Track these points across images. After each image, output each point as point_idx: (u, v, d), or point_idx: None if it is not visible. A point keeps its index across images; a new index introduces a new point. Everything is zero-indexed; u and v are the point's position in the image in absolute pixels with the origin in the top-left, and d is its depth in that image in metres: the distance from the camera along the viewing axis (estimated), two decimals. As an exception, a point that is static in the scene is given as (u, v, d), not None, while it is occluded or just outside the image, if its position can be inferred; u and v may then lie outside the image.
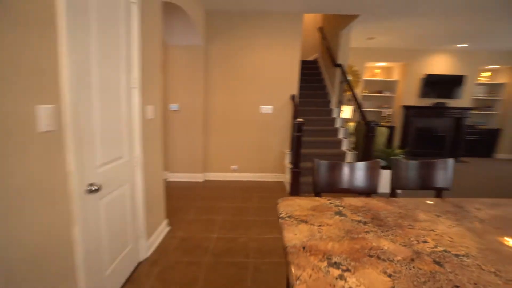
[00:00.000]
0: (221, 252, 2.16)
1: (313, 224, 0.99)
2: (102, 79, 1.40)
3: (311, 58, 5.85)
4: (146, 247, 2.02)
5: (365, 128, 3.30)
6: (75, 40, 1.17)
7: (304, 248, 0.82)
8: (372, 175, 1.49)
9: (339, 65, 4.39)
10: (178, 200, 3.24)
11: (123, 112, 1.65)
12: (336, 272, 0.71)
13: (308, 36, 6.14)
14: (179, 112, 3.85)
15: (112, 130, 1.53)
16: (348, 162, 1.51)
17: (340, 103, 4.46)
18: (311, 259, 0.77)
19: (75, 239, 1.23)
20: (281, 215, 1.06)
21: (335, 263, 0.75)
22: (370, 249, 0.83)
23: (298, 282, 0.67)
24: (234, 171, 4.12)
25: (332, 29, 4.76)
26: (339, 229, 0.96)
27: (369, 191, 1.50)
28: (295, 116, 3.44)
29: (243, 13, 3.72)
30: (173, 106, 3.82)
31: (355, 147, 3.90)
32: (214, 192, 3.59)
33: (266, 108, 3.98)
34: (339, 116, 4.32)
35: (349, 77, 5.06)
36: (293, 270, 0.71)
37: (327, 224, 0.99)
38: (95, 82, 1.34)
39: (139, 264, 1.96)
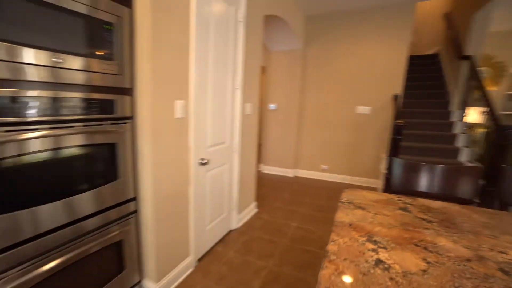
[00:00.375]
0: (298, 239, 2.35)
1: (369, 211, 1.04)
2: (214, 82, 1.89)
3: (429, 52, 5.01)
4: (237, 220, 2.47)
5: (496, 135, 2.62)
6: (199, 56, 1.67)
7: (350, 225, 0.92)
8: (468, 182, 1.29)
9: (468, 57, 3.60)
10: (268, 190, 3.63)
11: (227, 107, 2.13)
12: (371, 246, 0.79)
13: (425, 27, 5.27)
14: (276, 111, 4.26)
15: (218, 120, 2.02)
16: (439, 165, 1.36)
17: (465, 104, 3.64)
18: (352, 233, 0.86)
19: (190, 194, 1.75)
20: (341, 200, 1.16)
21: (375, 241, 0.82)
22: (421, 240, 0.83)
23: (332, 243, 0.80)
24: (324, 170, 4.16)
25: (462, 13, 3.94)
26: (395, 220, 0.97)
27: (461, 201, 1.30)
28: (397, 117, 3.13)
29: (344, 13, 3.71)
30: (272, 106, 4.26)
31: (480, 159, 3.11)
32: (302, 188, 3.78)
33: (363, 109, 3.79)
34: (461, 120, 3.55)
35: (484, 71, 4.02)
36: (332, 236, 0.84)
37: (384, 214, 1.02)
38: (209, 84, 1.84)
39: (230, 232, 2.42)
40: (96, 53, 1.15)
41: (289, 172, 4.31)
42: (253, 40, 2.37)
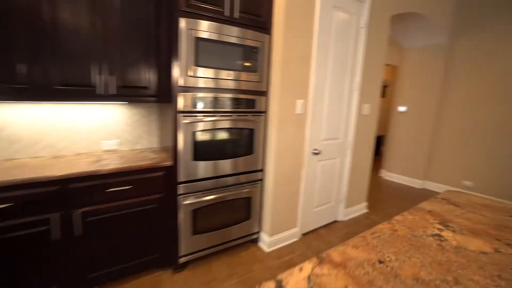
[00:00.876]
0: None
1: (463, 209, 1.04)
2: (332, 84, 2.19)
3: None
4: (344, 213, 2.65)
5: None
6: (319, 63, 2.03)
7: (430, 211, 1.01)
8: None
9: None
10: (386, 196, 3.46)
11: (343, 107, 2.36)
12: (438, 226, 0.89)
13: None
14: (406, 114, 3.89)
15: (334, 118, 2.30)
16: None
17: None
18: (427, 216, 0.97)
19: (302, 176, 2.17)
20: (436, 196, 1.19)
21: (447, 225, 0.90)
22: (510, 239, 0.82)
23: (399, 215, 0.96)
24: (466, 188, 3.41)
25: None
26: (492, 220, 0.95)
27: None
28: None
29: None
30: (401, 108, 3.93)
31: None
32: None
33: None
34: None
35: None
36: (404, 213, 0.99)
37: (482, 215, 1.00)
38: (327, 86, 2.16)
39: (335, 222, 2.64)
40: (246, 68, 1.78)
41: (416, 183, 3.83)
42: (376, 43, 2.44)
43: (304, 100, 2.02)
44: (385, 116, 4.78)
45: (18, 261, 1.29)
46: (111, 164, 1.55)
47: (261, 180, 2.06)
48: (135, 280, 1.69)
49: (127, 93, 1.69)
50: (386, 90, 5.26)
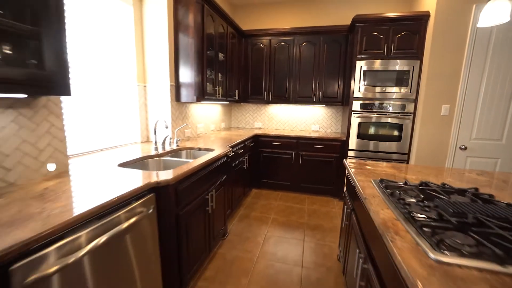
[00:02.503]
0: None
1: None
2: (490, 93, 2.54)
3: None
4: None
5: None
6: (471, 76, 2.53)
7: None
8: None
9: None
10: None
11: (507, 110, 2.56)
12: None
13: None
14: None
15: (489, 119, 2.60)
16: None
17: None
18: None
19: (444, 165, 2.78)
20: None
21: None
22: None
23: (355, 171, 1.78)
24: None
25: None
26: None
27: None
28: None
29: None
30: None
31: None
32: None
33: None
34: None
35: None
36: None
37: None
38: (482, 95, 2.56)
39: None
40: (399, 83, 2.78)
41: None
42: None
43: (450, 105, 2.62)
44: None
45: (278, 168, 3.36)
46: (316, 135, 3.29)
47: (405, 161, 2.95)
48: (319, 197, 3.36)
49: (326, 101, 3.34)
50: None
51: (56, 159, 1.39)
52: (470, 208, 0.88)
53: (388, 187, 1.22)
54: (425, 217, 0.89)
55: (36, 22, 0.98)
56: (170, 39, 2.36)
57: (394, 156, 2.96)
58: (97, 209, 0.95)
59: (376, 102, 2.90)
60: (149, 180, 1.29)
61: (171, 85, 2.41)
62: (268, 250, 2.18)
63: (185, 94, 2.48)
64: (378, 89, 2.86)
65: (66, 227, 0.83)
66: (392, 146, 2.94)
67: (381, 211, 0.98)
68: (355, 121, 3.00)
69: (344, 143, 3.13)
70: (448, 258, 0.67)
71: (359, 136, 3.02)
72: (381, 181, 1.30)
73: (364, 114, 2.95)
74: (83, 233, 0.90)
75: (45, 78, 1.03)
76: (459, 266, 0.65)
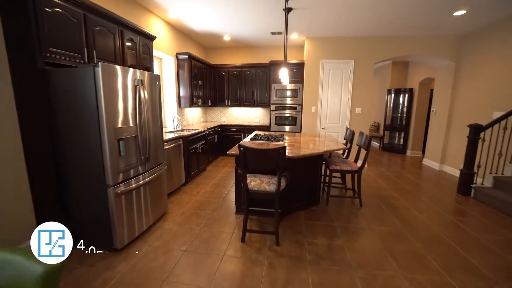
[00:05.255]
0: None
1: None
2: (330, 99, 5.32)
3: None
4: (345, 159, 5.57)
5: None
6: (323, 92, 5.31)
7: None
8: None
9: None
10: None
11: (341, 108, 5.38)
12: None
13: None
14: (435, 115, 5.52)
15: (333, 115, 5.39)
16: None
17: None
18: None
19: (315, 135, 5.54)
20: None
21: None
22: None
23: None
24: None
25: None
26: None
27: None
28: None
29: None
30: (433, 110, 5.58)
31: None
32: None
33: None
34: None
35: None
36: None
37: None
38: (328, 100, 5.34)
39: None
40: (295, 96, 5.48)
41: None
42: (364, 74, 5.12)
43: (316, 106, 5.35)
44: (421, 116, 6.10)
45: (233, 143, 5.97)
46: (255, 124, 5.92)
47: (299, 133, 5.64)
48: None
49: (260, 104, 5.99)
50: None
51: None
52: (270, 138, 3.52)
53: (257, 136, 3.84)
54: (257, 138, 3.50)
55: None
56: (175, 75, 4.82)
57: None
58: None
59: (283, 105, 5.57)
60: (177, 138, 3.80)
61: (176, 98, 4.87)
62: (222, 176, 4.75)
63: (183, 102, 4.95)
64: (283, 98, 5.53)
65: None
66: (292, 128, 5.64)
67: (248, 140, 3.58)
68: (273, 115, 5.64)
69: (269, 127, 5.76)
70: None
71: (275, 123, 5.67)
72: (257, 135, 3.92)
73: (277, 112, 5.61)
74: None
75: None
76: (252, 142, 3.28)
